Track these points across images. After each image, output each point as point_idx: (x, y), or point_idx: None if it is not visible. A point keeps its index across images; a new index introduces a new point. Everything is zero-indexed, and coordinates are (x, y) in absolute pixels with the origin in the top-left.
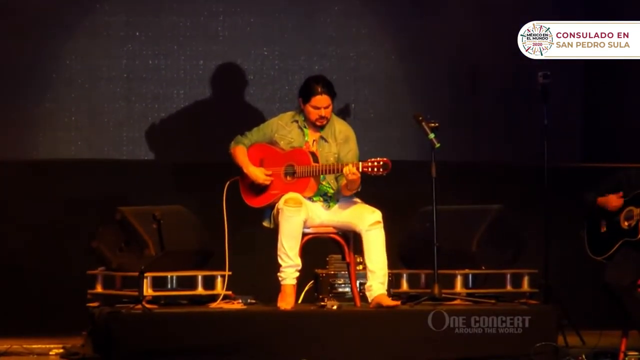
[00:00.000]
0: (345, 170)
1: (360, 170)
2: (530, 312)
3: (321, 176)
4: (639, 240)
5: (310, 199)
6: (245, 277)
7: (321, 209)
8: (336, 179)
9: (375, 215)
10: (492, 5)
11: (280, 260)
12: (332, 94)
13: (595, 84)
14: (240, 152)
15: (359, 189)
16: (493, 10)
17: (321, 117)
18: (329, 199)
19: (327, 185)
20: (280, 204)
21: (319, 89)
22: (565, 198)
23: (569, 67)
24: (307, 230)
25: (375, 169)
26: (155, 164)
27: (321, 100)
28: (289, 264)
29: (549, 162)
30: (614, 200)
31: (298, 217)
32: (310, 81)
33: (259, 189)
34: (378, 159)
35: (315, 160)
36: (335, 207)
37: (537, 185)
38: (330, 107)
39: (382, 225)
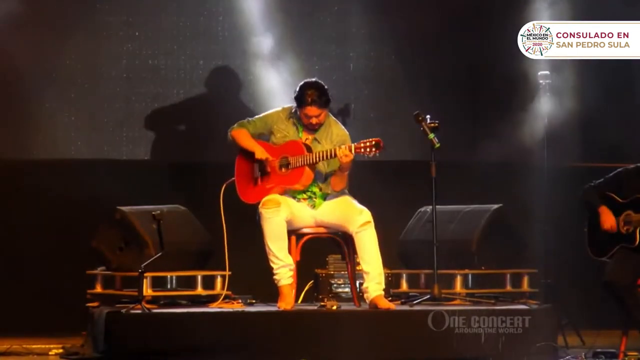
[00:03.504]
0: (339, 152)
1: (354, 151)
2: (530, 312)
3: (313, 183)
4: (637, 247)
5: (294, 197)
6: (245, 277)
7: (307, 209)
8: (325, 178)
9: (364, 215)
10: (492, 5)
11: (271, 264)
12: (323, 105)
13: (595, 84)
14: (245, 135)
15: (348, 186)
16: (493, 10)
17: (312, 124)
18: (314, 196)
19: (319, 191)
20: (260, 208)
21: (309, 100)
22: (565, 198)
23: (569, 67)
24: (306, 230)
25: (368, 149)
26: (155, 164)
27: (311, 110)
28: (281, 265)
29: (549, 162)
30: (607, 222)
31: (278, 217)
32: (303, 89)
33: (255, 183)
34: (370, 139)
35: (309, 150)
36: (323, 207)
37: (537, 185)
38: (323, 114)
39: (372, 224)
